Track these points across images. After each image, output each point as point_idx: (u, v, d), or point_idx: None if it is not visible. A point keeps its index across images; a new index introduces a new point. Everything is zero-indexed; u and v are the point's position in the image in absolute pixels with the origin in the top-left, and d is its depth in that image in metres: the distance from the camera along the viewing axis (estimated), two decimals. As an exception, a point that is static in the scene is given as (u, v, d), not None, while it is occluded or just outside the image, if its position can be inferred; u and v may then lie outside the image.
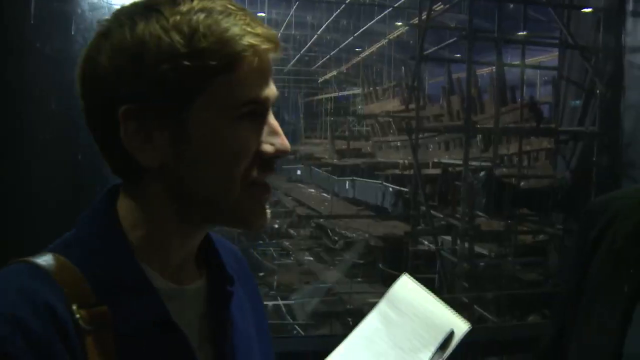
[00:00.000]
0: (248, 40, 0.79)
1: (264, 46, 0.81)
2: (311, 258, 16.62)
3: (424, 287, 1.13)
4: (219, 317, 0.91)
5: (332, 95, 23.31)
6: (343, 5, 16.18)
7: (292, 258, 17.55)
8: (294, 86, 25.92)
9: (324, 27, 18.64)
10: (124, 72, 0.78)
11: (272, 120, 0.85)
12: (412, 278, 1.14)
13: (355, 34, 17.98)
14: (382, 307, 1.09)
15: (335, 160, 18.48)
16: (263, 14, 18.48)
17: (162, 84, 0.78)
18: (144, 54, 0.78)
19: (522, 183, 9.99)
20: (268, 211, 0.87)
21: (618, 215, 1.06)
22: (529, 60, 11.45)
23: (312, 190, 20.40)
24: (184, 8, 0.79)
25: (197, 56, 0.77)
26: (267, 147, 0.83)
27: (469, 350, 2.22)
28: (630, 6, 7.72)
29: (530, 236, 10.17)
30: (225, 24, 0.79)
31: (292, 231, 19.05)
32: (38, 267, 0.78)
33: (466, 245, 8.88)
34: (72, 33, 2.07)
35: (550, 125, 10.19)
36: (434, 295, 1.11)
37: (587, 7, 8.93)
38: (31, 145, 1.94)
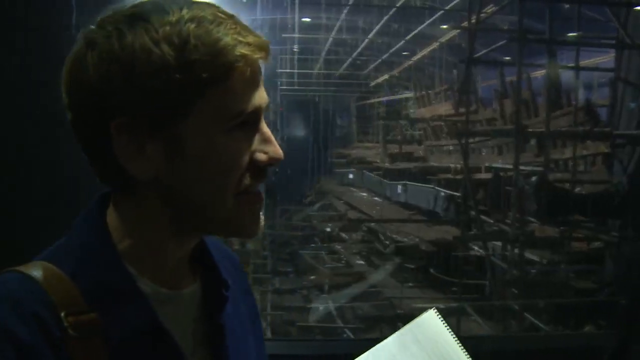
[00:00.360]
0: (240, 50, 0.78)
1: (256, 55, 0.80)
2: (362, 262, 16.59)
3: (448, 328, 1.12)
4: (213, 321, 0.91)
5: (384, 98, 23.20)
6: (394, 9, 16.10)
7: (343, 262, 17.56)
8: (346, 90, 25.90)
9: (374, 30, 18.59)
10: (114, 84, 0.77)
11: (264, 128, 0.84)
12: (439, 315, 1.13)
13: (407, 38, 17.86)
14: (404, 335, 1.09)
15: (387, 164, 18.38)
16: (308, 19, 18.58)
17: (154, 96, 0.76)
18: (134, 66, 0.76)
19: (576, 188, 9.71)
20: (262, 218, 0.87)
21: None
22: (584, 62, 11.10)
23: (364, 194, 20.35)
24: (173, 18, 0.77)
25: (189, 68, 0.76)
26: (260, 156, 0.83)
27: (520, 358, 2.19)
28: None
29: (584, 243, 9.86)
30: (216, 34, 0.77)
31: (343, 235, 19.07)
32: (27, 276, 0.78)
33: (516, 251, 8.69)
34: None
35: (606, 128, 9.87)
36: (456, 339, 1.10)
37: (646, 6, 8.61)
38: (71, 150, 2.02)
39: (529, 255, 9.15)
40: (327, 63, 23.23)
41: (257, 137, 0.83)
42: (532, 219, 9.14)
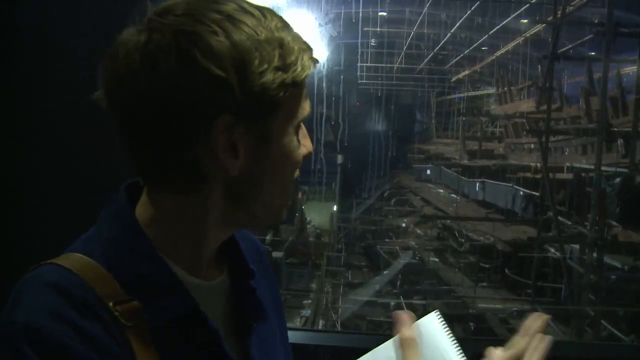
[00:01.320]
0: (309, 56, 0.83)
1: (316, 62, 0.86)
2: (436, 259, 16.37)
3: (449, 331, 1.13)
4: (241, 311, 0.93)
5: (465, 94, 22.71)
6: (477, 3, 15.71)
7: (417, 258, 17.40)
8: (427, 85, 25.55)
9: (457, 24, 18.22)
10: (226, 82, 0.76)
11: (302, 125, 0.89)
12: (441, 317, 1.15)
13: (490, 32, 17.37)
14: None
15: (465, 161, 18.03)
16: (384, 13, 18.42)
17: (261, 97, 0.78)
18: (246, 64, 0.77)
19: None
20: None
21: None
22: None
23: (441, 191, 20.07)
24: (265, 23, 0.80)
25: (288, 69, 0.80)
26: (304, 150, 0.88)
27: None
28: None
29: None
30: (292, 40, 0.82)
31: (419, 231, 18.88)
32: (65, 268, 0.79)
33: (594, 255, 8.33)
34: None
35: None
36: (455, 342, 1.12)
37: None
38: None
39: (610, 260, 8.75)
40: (407, 57, 22.99)
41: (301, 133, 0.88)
42: (614, 223, 8.72)
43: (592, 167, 8.82)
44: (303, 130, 0.88)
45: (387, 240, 19.57)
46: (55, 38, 1.78)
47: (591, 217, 8.43)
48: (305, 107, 0.85)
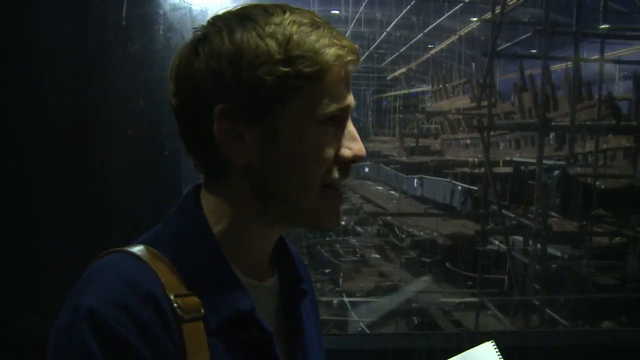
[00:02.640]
0: (336, 51, 0.85)
1: (349, 58, 0.86)
2: (378, 256, 16.57)
3: None
4: (290, 314, 0.96)
5: (401, 92, 23.11)
6: (413, 2, 16.01)
7: (358, 255, 17.56)
8: (363, 83, 25.85)
9: (393, 23, 18.51)
10: (222, 74, 0.83)
11: (351, 126, 0.89)
12: (495, 347, 1.12)
13: (425, 31, 17.75)
14: None
15: (403, 158, 18.33)
16: (337, 12, 18.50)
17: (257, 87, 0.82)
18: (242, 58, 0.83)
19: (597, 182, 9.63)
20: (341, 215, 0.91)
21: None
22: (607, 55, 10.97)
23: (380, 188, 20.30)
24: (277, 19, 0.85)
25: (291, 63, 0.83)
26: (346, 152, 0.88)
27: (539, 354, 2.17)
28: None
29: (606, 238, 9.78)
30: (315, 35, 0.84)
31: (359, 228, 19.06)
32: (137, 257, 0.83)
33: (539, 246, 8.63)
34: (159, 33, 2.16)
35: (630, 122, 9.76)
36: None
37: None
38: (117, 142, 2.03)
39: (551, 250, 9.10)
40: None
41: (344, 135, 0.88)
42: (555, 214, 9.07)
43: (533, 160, 9.13)
44: (351, 132, 0.89)
45: (327, 238, 19.72)
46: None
47: (534, 209, 8.72)
48: (328, 103, 0.85)
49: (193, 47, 0.87)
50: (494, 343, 1.12)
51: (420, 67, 21.90)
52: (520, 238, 9.79)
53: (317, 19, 0.87)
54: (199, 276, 0.84)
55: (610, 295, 8.86)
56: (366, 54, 22.85)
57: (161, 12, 2.32)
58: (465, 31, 16.39)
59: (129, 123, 2.00)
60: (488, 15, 10.69)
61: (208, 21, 0.89)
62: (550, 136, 11.93)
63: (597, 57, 9.74)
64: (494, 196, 9.71)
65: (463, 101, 16.19)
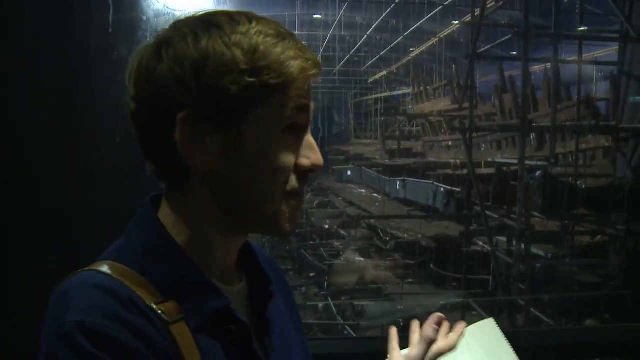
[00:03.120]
0: (301, 64, 0.85)
1: (313, 71, 0.88)
2: (362, 259, 16.58)
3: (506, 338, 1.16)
4: (260, 317, 0.97)
5: (382, 95, 23.17)
6: (393, 5, 16.08)
7: (342, 258, 17.56)
8: (344, 87, 25.90)
9: (373, 27, 18.57)
10: (185, 80, 0.82)
11: (309, 136, 0.91)
12: (497, 325, 1.18)
13: (405, 34, 17.83)
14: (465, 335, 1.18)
15: (386, 161, 18.38)
16: (319, 16, 18.50)
17: (221, 95, 0.82)
18: (206, 66, 0.82)
19: (579, 182, 9.74)
20: (298, 219, 0.93)
21: None
22: (584, 56, 11.12)
23: (363, 191, 20.33)
24: (243, 28, 0.85)
25: (257, 73, 0.83)
26: (304, 161, 0.89)
27: (522, 353, 2.18)
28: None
29: (588, 237, 9.89)
30: (280, 47, 0.85)
31: (342, 232, 19.06)
32: (104, 273, 0.83)
33: (522, 246, 8.70)
34: (141, 39, 2.14)
35: (609, 122, 9.89)
36: (512, 350, 1.18)
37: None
38: (105, 148, 2.01)
39: (534, 249, 9.18)
40: (324, 60, 23.22)
41: (303, 144, 0.90)
42: (537, 214, 9.14)
43: (514, 161, 9.20)
44: (308, 141, 0.90)
45: (310, 242, 19.69)
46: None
47: (518, 209, 8.79)
48: (291, 114, 0.86)
49: (155, 50, 0.86)
50: (493, 320, 1.18)
51: (401, 70, 22.00)
52: (504, 238, 9.86)
53: (283, 30, 0.87)
54: (170, 282, 0.85)
55: (593, 293, 8.95)
56: (347, 58, 22.91)
57: (144, 18, 2.30)
58: (445, 34, 16.49)
59: (116, 130, 1.98)
60: (468, 18, 10.76)
61: (171, 25, 0.88)
62: (531, 137, 12.05)
63: (575, 58, 9.83)
64: (477, 197, 9.76)
65: (444, 103, 16.28)
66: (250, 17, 0.87)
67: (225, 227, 0.90)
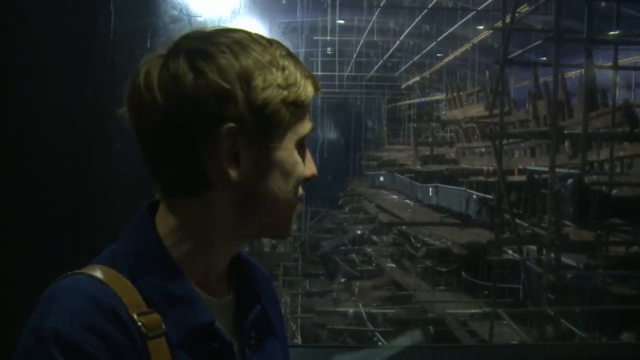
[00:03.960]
0: (312, 83, 0.95)
1: (319, 90, 0.97)
2: (393, 265, 16.49)
3: None
4: (246, 331, 0.99)
5: (415, 101, 23.03)
6: (425, 11, 15.98)
7: (374, 264, 17.50)
8: (377, 92, 25.81)
9: (406, 32, 18.47)
10: (231, 94, 0.87)
11: (307, 149, 1.00)
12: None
13: (438, 39, 17.69)
14: None
15: (418, 167, 18.23)
16: (342, 21, 18.53)
17: (263, 109, 0.89)
18: (251, 82, 0.88)
19: (614, 191, 9.48)
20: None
21: None
22: (622, 61, 10.82)
23: (395, 197, 20.22)
24: (270, 50, 0.92)
25: (290, 89, 0.91)
26: (307, 171, 0.98)
27: None
28: None
29: (622, 248, 9.61)
30: (298, 68, 0.93)
31: (374, 237, 19.01)
32: (96, 278, 0.85)
33: (552, 255, 8.51)
34: (151, 46, 2.16)
35: (648, 129, 9.60)
36: None
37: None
38: (108, 156, 2.04)
39: (566, 259, 8.96)
40: (357, 65, 23.19)
41: (305, 156, 0.98)
42: (569, 223, 8.93)
43: (546, 169, 9.02)
44: (308, 155, 0.98)
45: (342, 248, 19.67)
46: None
47: (548, 217, 8.61)
48: (307, 127, 0.95)
49: (188, 62, 0.88)
50: None
51: (434, 76, 21.81)
52: (535, 247, 9.66)
53: (291, 51, 0.95)
54: (158, 292, 0.87)
55: (628, 306, 8.69)
56: (380, 63, 22.83)
57: (160, 24, 2.33)
58: (478, 39, 16.29)
59: (118, 137, 2.00)
60: (499, 24, 10.60)
61: (202, 39, 0.91)
62: (566, 144, 11.78)
63: (610, 64, 9.58)
64: (507, 205, 9.59)
65: (477, 109, 16.05)
66: (262, 37, 0.94)
67: (239, 233, 0.95)
